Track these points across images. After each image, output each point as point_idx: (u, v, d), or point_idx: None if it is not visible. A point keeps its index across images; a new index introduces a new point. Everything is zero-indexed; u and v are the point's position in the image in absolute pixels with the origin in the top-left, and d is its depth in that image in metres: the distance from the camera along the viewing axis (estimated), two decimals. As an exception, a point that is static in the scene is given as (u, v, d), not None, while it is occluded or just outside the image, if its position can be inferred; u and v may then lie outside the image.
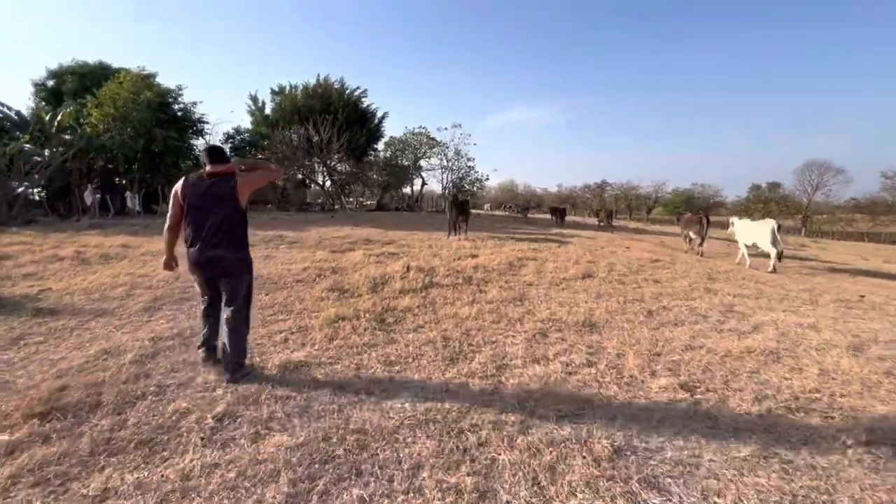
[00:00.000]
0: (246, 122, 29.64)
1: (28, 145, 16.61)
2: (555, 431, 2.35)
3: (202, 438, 2.26)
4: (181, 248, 2.97)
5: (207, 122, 21.82)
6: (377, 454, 2.15)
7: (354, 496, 1.84)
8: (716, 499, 1.86)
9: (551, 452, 2.15)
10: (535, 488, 1.90)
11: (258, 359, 3.32)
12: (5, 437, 2.22)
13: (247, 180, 2.92)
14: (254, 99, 28.99)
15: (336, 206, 28.89)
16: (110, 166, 18.87)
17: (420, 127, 36.25)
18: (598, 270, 7.34)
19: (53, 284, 5.73)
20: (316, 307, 4.72)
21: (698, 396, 2.80)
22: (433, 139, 37.02)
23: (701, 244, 11.62)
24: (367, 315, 4.36)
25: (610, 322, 4.43)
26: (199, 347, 3.19)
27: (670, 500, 1.85)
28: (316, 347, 3.58)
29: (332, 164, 29.43)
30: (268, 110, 29.16)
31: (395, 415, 2.52)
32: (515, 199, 57.27)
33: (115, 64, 21.74)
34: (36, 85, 21.49)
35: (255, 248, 9.14)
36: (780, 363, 3.44)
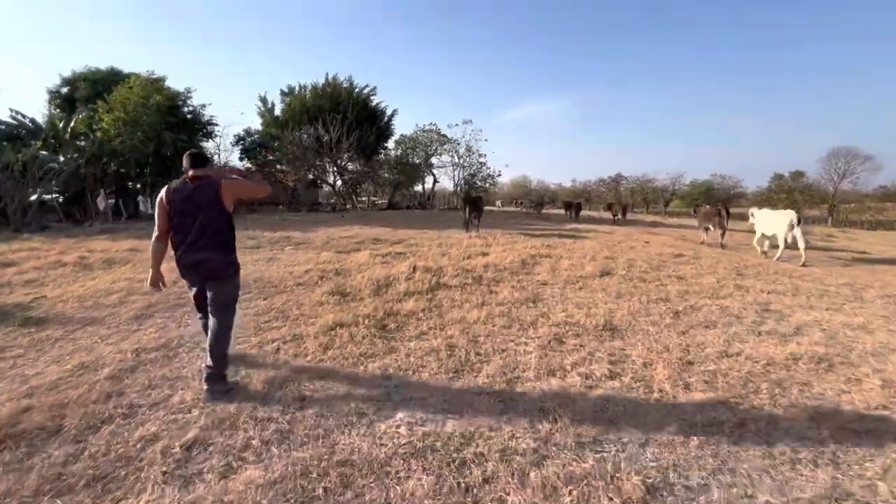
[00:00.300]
0: (256, 124, 29.61)
1: (43, 152, 16.80)
2: (574, 464, 1.98)
3: (164, 473, 1.95)
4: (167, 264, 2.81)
5: (217, 125, 21.85)
6: (363, 494, 1.81)
7: (330, 554, 1.51)
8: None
9: (571, 492, 1.78)
10: (552, 543, 1.55)
11: (244, 372, 3.03)
12: (-56, 472, 1.96)
13: (231, 186, 2.80)
14: (263, 100, 28.97)
15: (347, 206, 28.76)
16: (123, 171, 19.00)
17: (430, 124, 35.93)
18: (616, 267, 6.90)
19: (50, 292, 5.55)
20: (314, 313, 4.42)
21: (742, 415, 2.40)
22: (444, 136, 36.66)
23: (723, 236, 11.28)
24: (367, 321, 4.04)
25: (633, 325, 4.02)
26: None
27: (723, 561, 1.47)
28: (308, 359, 3.27)
29: (343, 163, 29.30)
30: (278, 111, 29.11)
31: (387, 441, 2.18)
32: (528, 195, 56.52)
33: (126, 69, 21.94)
34: (50, 92, 21.80)
35: (260, 251, 9.00)
36: (833, 372, 3.00)
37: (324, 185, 31.27)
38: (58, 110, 20.80)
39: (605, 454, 2.06)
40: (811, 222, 36.44)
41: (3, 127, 17.54)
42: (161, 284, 2.96)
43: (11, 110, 17.59)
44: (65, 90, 21.68)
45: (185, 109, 19.68)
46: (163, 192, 2.78)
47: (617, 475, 1.89)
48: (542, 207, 32.00)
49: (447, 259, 7.37)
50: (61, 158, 17.32)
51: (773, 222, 9.22)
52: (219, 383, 2.70)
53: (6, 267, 7.18)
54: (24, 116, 17.69)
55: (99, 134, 17.59)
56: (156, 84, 18.79)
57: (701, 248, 10.20)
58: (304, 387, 2.81)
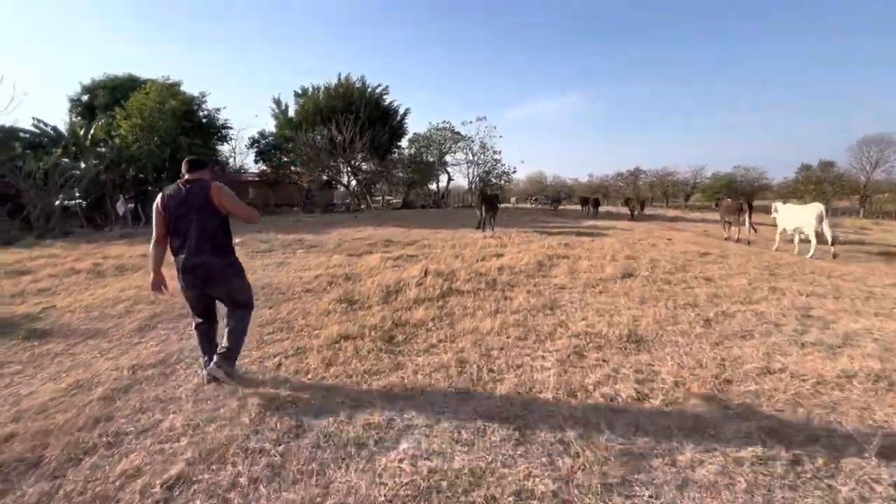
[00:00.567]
0: (271, 126, 29.81)
1: (65, 160, 17.17)
2: (601, 513, 1.71)
3: (141, 518, 1.76)
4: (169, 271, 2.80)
5: (231, 128, 22.07)
6: (357, 549, 1.58)
7: None
8: None
9: (598, 552, 1.52)
10: None
11: (241, 392, 2.84)
12: None
13: (222, 191, 2.78)
14: (277, 102, 29.14)
15: (362, 206, 28.76)
16: (141, 176, 19.30)
17: (444, 122, 35.65)
18: (639, 268, 6.54)
19: (60, 301, 5.51)
20: (319, 323, 4.22)
21: (796, 450, 2.09)
22: (458, 133, 36.33)
23: (751, 230, 10.94)
24: (374, 333, 3.82)
25: (660, 335, 3.71)
26: (206, 367, 2.95)
27: None
28: (309, 376, 3.06)
29: (356, 163, 29.28)
30: (291, 113, 29.24)
31: (388, 479, 1.95)
32: (544, 191, 55.78)
33: (143, 75, 22.30)
34: (71, 100, 22.33)
35: (272, 255, 8.89)
36: (895, 392, 2.65)
37: (338, 186, 31.34)
38: (79, 118, 21.27)
39: (636, 499, 1.78)
40: (841, 214, 34.95)
41: (27, 136, 17.97)
42: (163, 287, 2.98)
43: (34, 119, 18.04)
44: (85, 98, 22.18)
45: (200, 114, 19.87)
46: (158, 198, 2.80)
47: (652, 529, 1.61)
48: (560, 204, 31.42)
49: (460, 261, 7.12)
50: (82, 165, 17.68)
51: (798, 217, 8.94)
52: (228, 361, 2.82)
53: (23, 275, 7.22)
54: (45, 125, 18.12)
55: (117, 140, 17.89)
56: (171, 89, 19.02)
57: (727, 246, 9.71)
58: (303, 410, 2.60)
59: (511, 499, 1.80)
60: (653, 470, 1.97)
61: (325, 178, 28.60)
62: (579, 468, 1.97)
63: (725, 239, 11.71)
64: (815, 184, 42.27)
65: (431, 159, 35.96)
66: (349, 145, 25.45)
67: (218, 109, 20.86)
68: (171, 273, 2.89)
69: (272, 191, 26.33)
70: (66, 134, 18.79)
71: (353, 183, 30.06)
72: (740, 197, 13.16)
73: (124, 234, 13.95)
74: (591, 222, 17.37)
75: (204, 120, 20.06)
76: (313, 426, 2.41)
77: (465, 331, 3.89)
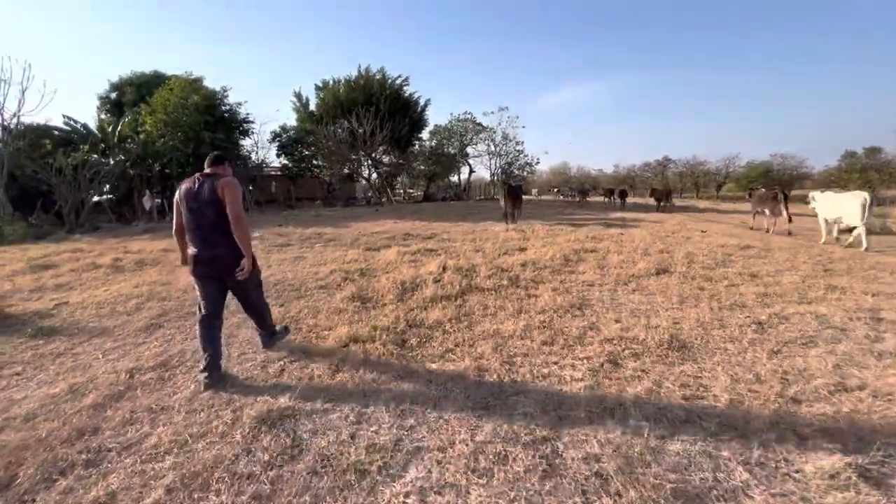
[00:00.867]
0: (292, 120, 29.94)
1: (94, 156, 17.58)
2: (654, 579, 1.36)
3: (103, 561, 1.51)
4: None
5: (253, 122, 22.12)
6: None
7: None
8: None
9: None
10: None
11: (238, 402, 2.59)
12: None
13: (228, 188, 2.79)
14: (298, 96, 29.17)
15: (383, 200, 28.63)
16: (167, 171, 19.61)
17: (465, 113, 35.12)
18: (674, 263, 6.04)
19: (75, 297, 5.44)
20: (329, 323, 3.96)
21: (898, 495, 1.67)
22: (479, 125, 35.77)
23: (789, 221, 10.37)
24: (386, 336, 3.52)
25: (706, 341, 3.28)
26: (201, 371, 2.86)
27: None
28: (313, 385, 2.79)
29: (377, 156, 29.12)
30: (312, 106, 29.26)
31: (391, 520, 1.65)
32: (569, 182, 54.44)
33: (168, 71, 22.63)
34: (100, 98, 22.90)
35: (289, 249, 8.74)
36: None
37: (359, 179, 31.30)
38: (108, 115, 21.79)
39: (697, 561, 1.42)
40: (889, 203, 32.78)
41: (59, 133, 18.48)
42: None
43: (65, 116, 18.54)
44: (113, 95, 22.69)
45: (222, 108, 20.00)
46: (177, 190, 2.94)
47: None
48: (587, 196, 30.46)
49: (481, 256, 6.76)
50: (111, 161, 18.08)
51: (840, 207, 8.40)
52: (271, 339, 3.40)
53: (45, 269, 7.27)
54: (76, 122, 18.59)
55: (142, 136, 18.19)
56: (194, 84, 19.19)
57: (770, 239, 9.01)
58: (301, 425, 2.32)
59: (539, 554, 1.46)
60: (715, 518, 1.59)
61: (345, 171, 28.57)
62: (622, 513, 1.62)
63: (751, 229, 11.27)
64: (859, 171, 39.77)
65: (452, 151, 35.54)
66: (369, 138, 25.27)
67: (239, 104, 20.99)
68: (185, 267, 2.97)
69: (294, 185, 26.44)
70: (95, 131, 19.24)
71: (374, 176, 29.94)
72: (775, 186, 12.32)
73: (148, 228, 14.15)
74: (619, 214, 16.69)
75: (226, 114, 20.18)
76: (311, 446, 2.13)
77: (485, 334, 3.56)
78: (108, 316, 4.57)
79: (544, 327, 3.65)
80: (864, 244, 7.62)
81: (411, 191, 41.35)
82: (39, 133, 16.73)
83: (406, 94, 28.82)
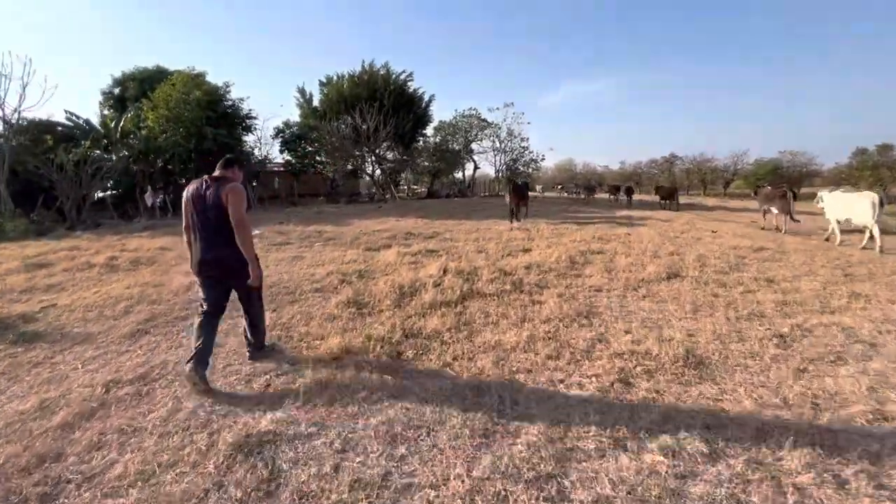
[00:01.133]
0: (295, 116, 29.75)
1: (97, 151, 17.48)
2: None
3: None
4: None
5: (256, 118, 21.91)
6: None
7: None
8: None
9: None
10: None
11: (216, 424, 2.39)
12: None
13: (233, 195, 2.78)
14: (301, 91, 28.95)
15: (387, 196, 28.41)
16: (169, 167, 19.49)
17: (470, 109, 34.85)
18: (685, 267, 5.78)
19: (64, 299, 5.27)
20: (322, 331, 3.75)
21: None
22: (484, 120, 35.46)
23: (794, 220, 10.16)
24: (380, 347, 3.31)
25: (724, 357, 3.03)
26: (187, 362, 2.80)
27: None
28: (298, 404, 2.58)
29: (381, 152, 28.89)
30: (316, 102, 29.04)
31: (373, 579, 1.43)
32: (574, 179, 53.94)
33: (172, 67, 22.47)
34: (104, 93, 22.80)
35: (288, 248, 8.54)
36: None
37: (363, 176, 31.09)
38: (111, 110, 21.69)
39: None
40: (901, 202, 32.12)
41: (61, 129, 18.38)
42: None
43: (67, 112, 18.42)
44: (116, 90, 22.58)
45: (225, 104, 19.82)
46: (186, 190, 2.93)
47: None
48: (593, 193, 30.05)
49: (483, 258, 6.53)
50: (113, 157, 17.97)
51: (849, 208, 8.14)
52: (258, 352, 3.27)
53: (40, 268, 7.12)
54: (78, 118, 18.47)
55: (144, 132, 18.06)
56: (196, 80, 19.00)
57: (784, 240, 8.70)
58: (280, 453, 2.11)
59: None
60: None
61: (349, 167, 28.37)
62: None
63: (762, 228, 10.98)
64: (871, 169, 39.02)
65: (457, 147, 35.25)
66: (373, 134, 25.04)
67: (242, 99, 20.77)
68: (184, 268, 2.72)
69: (297, 181, 26.28)
70: (97, 126, 19.14)
71: (378, 172, 29.73)
72: (783, 184, 12.01)
73: (149, 225, 14.02)
74: (626, 212, 16.36)
75: (228, 110, 19.98)
76: (290, 480, 1.92)
77: (485, 345, 3.33)
78: (95, 320, 4.39)
79: (549, 339, 3.43)
80: (878, 244, 7.30)
81: (415, 187, 41.12)
82: (41, 128, 16.62)
83: (410, 90, 28.54)
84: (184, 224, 3.00)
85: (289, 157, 26.29)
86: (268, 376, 2.96)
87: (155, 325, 4.15)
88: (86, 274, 6.70)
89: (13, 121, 14.99)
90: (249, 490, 1.86)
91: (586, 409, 2.39)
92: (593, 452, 2.03)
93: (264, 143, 24.13)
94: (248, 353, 3.27)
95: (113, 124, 18.80)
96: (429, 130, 33.17)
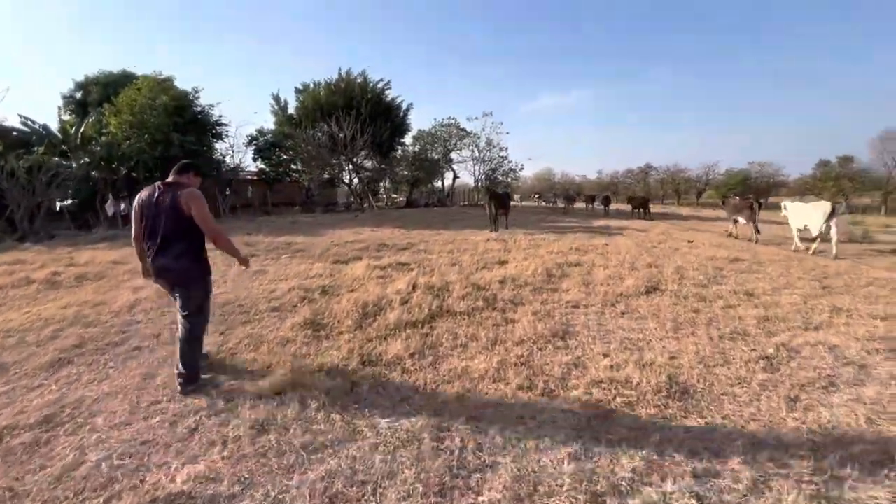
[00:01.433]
0: (270, 123, 29.12)
1: (56, 158, 16.53)
2: None
3: None
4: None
5: (227, 125, 21.20)
6: None
7: None
8: None
9: None
10: None
11: (118, 486, 1.97)
12: None
13: (192, 199, 2.73)
14: (276, 99, 28.30)
15: (365, 205, 27.92)
16: (134, 174, 18.61)
17: (449, 118, 34.82)
18: (664, 280, 5.59)
19: (-14, 321, 4.70)
20: (271, 359, 3.35)
21: None
22: (463, 130, 35.48)
23: (757, 231, 10.50)
24: (332, 378, 2.94)
25: (710, 384, 2.78)
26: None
27: None
28: (225, 454, 2.18)
29: (359, 161, 28.44)
30: (291, 109, 28.46)
31: None
32: (553, 188, 54.48)
33: (139, 71, 21.65)
34: (64, 98, 21.74)
35: (253, 260, 8.03)
36: None
37: (341, 184, 30.54)
38: (71, 115, 20.65)
39: None
40: (861, 212, 33.48)
41: (16, 134, 17.36)
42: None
43: (21, 117, 17.40)
44: (78, 95, 21.56)
45: (194, 110, 19.09)
46: (136, 197, 2.87)
47: None
48: (573, 202, 30.33)
49: (457, 271, 6.21)
50: (73, 164, 17.04)
51: (806, 216, 8.83)
52: (191, 384, 2.87)
53: (-30, 286, 6.46)
54: (33, 123, 17.48)
55: (105, 138, 17.19)
56: (163, 84, 18.27)
57: (759, 251, 8.69)
58: (191, 525, 1.72)
59: None
60: None
61: (326, 176, 27.80)
62: None
63: (730, 236, 11.43)
64: (833, 179, 40.67)
65: (436, 156, 35.12)
66: (350, 142, 24.63)
67: (212, 105, 20.06)
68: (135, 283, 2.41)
69: (271, 189, 25.57)
70: (56, 132, 18.16)
71: (355, 181, 29.26)
72: (749, 195, 12.48)
73: (107, 236, 13.22)
74: (603, 221, 16.38)
75: (198, 116, 19.26)
76: (193, 565, 1.53)
77: (451, 374, 3.00)
78: (13, 347, 3.87)
79: (521, 364, 3.12)
80: (835, 251, 7.89)
81: (395, 196, 40.75)
82: (-9, 133, 15.62)
83: (388, 99, 28.28)
84: (133, 234, 2.92)
85: (263, 166, 25.58)
86: (197, 417, 2.56)
87: (81, 353, 3.66)
88: (21, 291, 6.09)
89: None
90: (137, 583, 1.46)
91: (560, 455, 2.08)
92: (567, 515, 1.71)
93: (237, 151, 23.43)
94: (179, 385, 2.87)
95: (73, 130, 17.88)
96: (407, 139, 32.98)
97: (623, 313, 4.31)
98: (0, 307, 5.31)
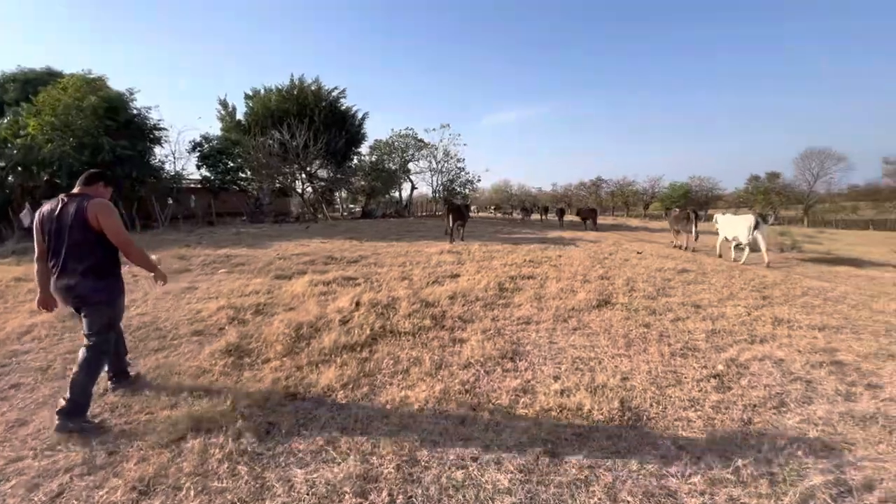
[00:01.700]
0: (216, 129, 27.65)
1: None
2: None
3: None
4: None
5: (165, 129, 19.77)
6: None
7: None
8: None
9: None
10: None
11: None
12: None
13: (101, 210, 2.52)
14: (224, 104, 26.94)
15: (319, 216, 26.98)
16: (57, 181, 16.89)
17: (407, 128, 34.63)
18: (615, 292, 5.54)
19: None
20: (174, 398, 2.87)
21: None
22: (421, 140, 35.39)
23: (696, 239, 11.49)
24: (246, 418, 2.52)
25: (663, 407, 2.61)
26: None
27: None
28: (89, 530, 1.73)
29: (312, 170, 27.54)
30: (240, 115, 27.20)
31: None
32: (510, 200, 55.53)
33: (66, 70, 19.85)
34: (-23, 96, 19.51)
35: (184, 276, 7.30)
36: None
37: (294, 194, 29.44)
38: (-16, 115, 18.55)
39: None
40: (787, 223, 36.39)
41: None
42: (51, 306, 2.73)
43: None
44: (-7, 93, 19.42)
45: (128, 112, 17.66)
46: (38, 212, 2.67)
47: None
48: (529, 214, 30.96)
49: (406, 286, 5.88)
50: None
51: (734, 226, 9.43)
52: (75, 418, 2.44)
53: None
54: (-66, 121, 15.48)
55: (21, 140, 15.50)
56: (92, 84, 16.79)
57: (704, 261, 8.99)
58: None
59: None
60: None
61: (277, 185, 26.67)
62: None
63: (675, 246, 12.18)
64: (763, 193, 44.10)
65: (393, 167, 34.75)
66: (303, 150, 23.79)
67: (149, 108, 18.64)
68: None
69: (216, 199, 24.15)
70: (-37, 133, 16.19)
71: (309, 191, 28.30)
72: (687, 207, 13.46)
73: (17, 249, 11.79)
74: (557, 232, 16.62)
75: (133, 119, 17.83)
76: None
77: (387, 407, 2.66)
78: None
79: (467, 392, 2.83)
80: (744, 259, 8.86)
81: (353, 206, 39.91)
82: None
83: (343, 107, 27.73)
84: (37, 253, 2.66)
85: (207, 173, 24.14)
86: (67, 477, 2.07)
87: (-64, 396, 3.01)
88: None
89: None
90: None
91: (503, 506, 1.79)
92: (507, 591, 1.42)
93: (178, 157, 21.94)
94: (56, 420, 2.43)
95: (-17, 131, 16.01)
96: (364, 149, 32.44)
97: (575, 329, 4.15)
98: None
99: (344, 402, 2.73)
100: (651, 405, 2.63)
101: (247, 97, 27.48)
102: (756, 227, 8.72)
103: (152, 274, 2.87)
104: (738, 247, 9.55)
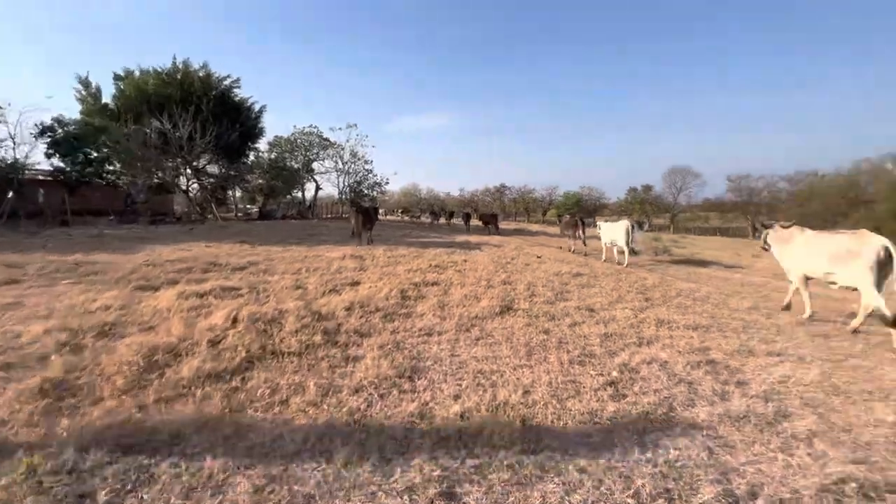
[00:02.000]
0: (74, 112, 23.44)
1: None
2: None
3: None
4: None
5: (1, 107, 16.15)
6: None
7: None
8: None
9: None
10: None
11: None
12: None
13: None
14: (85, 83, 22.86)
15: (208, 216, 24.19)
16: None
17: (311, 126, 32.87)
18: (517, 297, 5.56)
19: None
20: (-57, 463, 2.06)
21: None
22: (326, 139, 33.85)
23: (584, 244, 12.86)
24: (41, 493, 1.85)
25: (564, 423, 2.51)
26: None
27: None
28: None
29: (200, 165, 24.65)
30: (107, 98, 23.39)
31: None
32: (419, 204, 55.74)
33: None
34: None
35: (12, 288, 5.80)
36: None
37: (177, 191, 26.07)
38: None
39: None
40: (658, 230, 41.75)
41: None
42: None
43: None
44: None
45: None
46: None
47: None
48: (438, 218, 31.29)
49: (298, 297, 5.28)
50: None
51: (613, 232, 10.61)
52: None
53: None
54: None
55: None
56: None
57: (595, 265, 9.65)
58: None
59: None
60: None
61: (156, 180, 23.34)
62: None
63: (570, 250, 13.32)
64: (639, 203, 50.08)
65: (296, 165, 32.72)
66: (188, 142, 21.14)
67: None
68: None
69: (73, 194, 20.35)
70: None
71: (195, 188, 25.29)
72: (576, 215, 14.98)
73: None
74: (464, 237, 16.87)
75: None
76: None
77: (255, 453, 2.17)
78: None
79: (355, 423, 2.46)
80: (626, 262, 9.95)
81: (250, 207, 36.70)
82: None
83: (237, 98, 25.36)
84: None
85: (61, 164, 20.26)
86: None
87: None
88: None
89: None
90: None
91: (387, 576, 1.46)
92: None
93: (21, 143, 18.02)
94: None
95: None
96: (262, 144, 30.06)
97: (478, 339, 3.99)
98: None
99: (196, 451, 2.17)
100: (552, 421, 2.51)
101: (117, 78, 23.75)
102: (630, 231, 9.99)
103: None
104: (620, 251, 10.66)
